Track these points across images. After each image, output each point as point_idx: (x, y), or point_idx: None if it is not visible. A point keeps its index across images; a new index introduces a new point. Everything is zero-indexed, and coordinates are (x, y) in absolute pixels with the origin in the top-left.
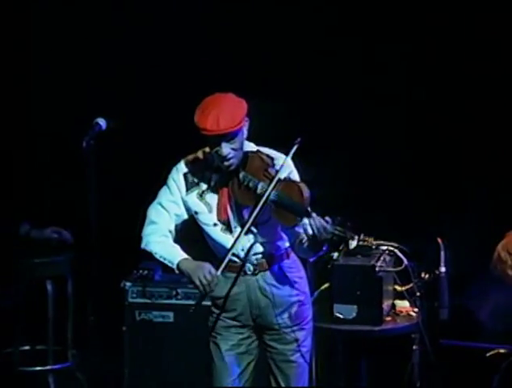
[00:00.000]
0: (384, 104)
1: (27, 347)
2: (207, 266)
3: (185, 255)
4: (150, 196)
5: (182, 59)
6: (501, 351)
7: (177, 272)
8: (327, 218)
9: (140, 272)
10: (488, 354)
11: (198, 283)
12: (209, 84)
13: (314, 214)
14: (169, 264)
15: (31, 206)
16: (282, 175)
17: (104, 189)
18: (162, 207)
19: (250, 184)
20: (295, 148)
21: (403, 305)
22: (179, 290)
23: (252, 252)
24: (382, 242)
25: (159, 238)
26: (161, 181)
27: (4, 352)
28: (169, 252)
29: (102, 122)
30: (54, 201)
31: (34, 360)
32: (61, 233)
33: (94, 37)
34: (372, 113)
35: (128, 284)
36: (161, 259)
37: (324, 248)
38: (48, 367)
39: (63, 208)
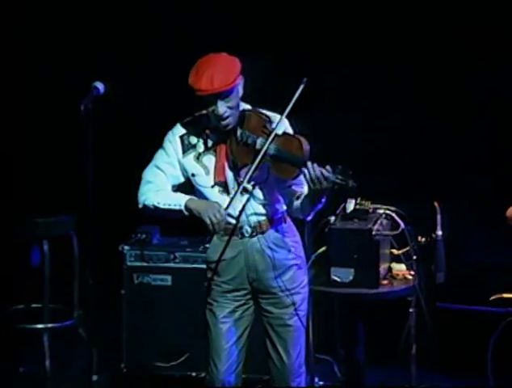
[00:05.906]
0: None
1: (38, 305)
2: (217, 205)
3: (189, 196)
4: (146, 158)
5: (179, 21)
6: (505, 295)
7: (186, 213)
8: (328, 167)
9: (139, 235)
10: (491, 298)
11: (208, 221)
12: (206, 45)
13: (315, 164)
14: (177, 207)
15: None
16: (279, 131)
17: (102, 153)
18: (158, 168)
19: (249, 141)
20: (301, 87)
21: (399, 268)
22: (177, 254)
23: (249, 213)
24: (379, 205)
25: (155, 191)
26: (158, 145)
27: (6, 310)
28: (172, 197)
29: (100, 86)
30: (51, 166)
31: (31, 318)
32: None
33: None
34: (370, 71)
35: (126, 247)
36: (166, 207)
37: (322, 200)
38: (50, 325)
39: (60, 173)
